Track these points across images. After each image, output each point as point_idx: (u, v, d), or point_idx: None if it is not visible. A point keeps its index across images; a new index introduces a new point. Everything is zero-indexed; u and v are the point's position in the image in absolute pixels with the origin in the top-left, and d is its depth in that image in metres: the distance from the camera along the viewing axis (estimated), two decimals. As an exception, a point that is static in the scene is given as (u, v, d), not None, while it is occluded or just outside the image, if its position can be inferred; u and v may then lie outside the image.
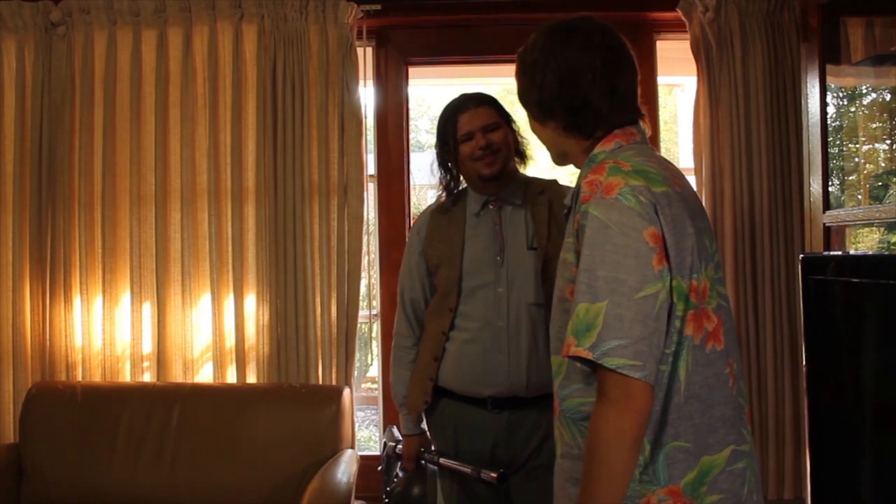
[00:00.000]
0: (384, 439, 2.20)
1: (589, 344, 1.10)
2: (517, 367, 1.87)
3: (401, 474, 2.08)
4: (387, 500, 2.03)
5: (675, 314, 1.16)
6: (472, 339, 1.90)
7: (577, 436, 1.24)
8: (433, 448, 2.02)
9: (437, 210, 2.06)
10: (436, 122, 1.98)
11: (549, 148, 1.39)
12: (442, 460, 1.94)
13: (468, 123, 1.91)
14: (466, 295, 1.92)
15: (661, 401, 1.17)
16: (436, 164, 2.01)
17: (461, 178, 2.01)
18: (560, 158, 1.39)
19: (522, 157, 2.01)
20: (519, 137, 2.00)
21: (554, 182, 2.05)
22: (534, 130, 1.39)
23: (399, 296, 2.08)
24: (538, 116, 1.34)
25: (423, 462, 2.02)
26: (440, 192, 2.04)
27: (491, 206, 1.96)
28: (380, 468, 2.17)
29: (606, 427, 1.11)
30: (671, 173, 1.25)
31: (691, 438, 1.18)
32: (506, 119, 1.97)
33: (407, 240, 2.11)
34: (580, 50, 1.27)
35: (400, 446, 2.09)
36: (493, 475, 1.80)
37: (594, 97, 1.27)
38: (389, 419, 2.88)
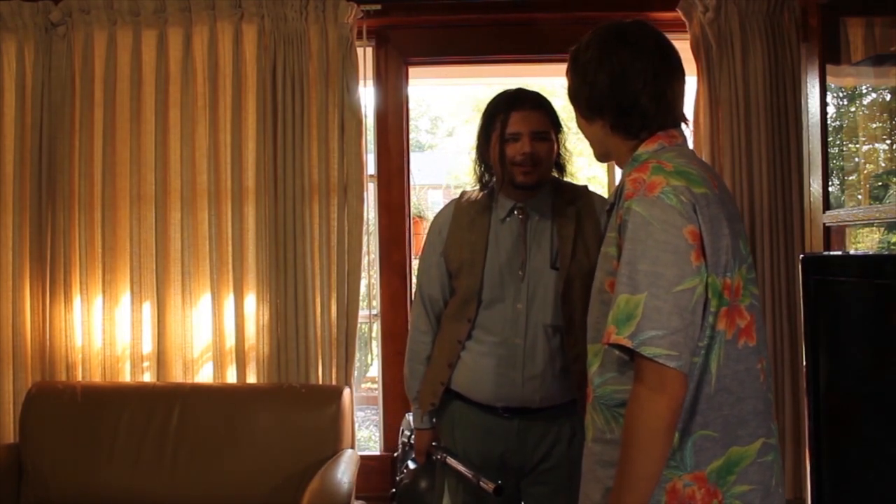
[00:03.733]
0: (402, 427, 2.19)
1: (628, 333, 1.16)
2: (531, 385, 1.85)
3: (411, 465, 2.07)
4: (394, 490, 2.03)
5: (709, 309, 1.22)
6: (488, 353, 1.87)
7: (611, 421, 1.30)
8: (443, 445, 2.00)
9: (462, 206, 1.98)
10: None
11: (592, 145, 1.44)
12: (448, 459, 1.93)
13: (519, 123, 1.82)
14: (486, 307, 1.88)
15: (692, 391, 1.23)
16: (473, 156, 1.94)
17: (494, 174, 1.92)
18: (603, 156, 1.45)
19: (561, 169, 1.95)
20: (562, 150, 1.92)
21: (585, 189, 1.97)
22: (580, 127, 1.44)
23: (417, 290, 2.03)
24: (586, 114, 1.39)
25: (433, 457, 2.01)
26: (473, 187, 1.98)
27: (517, 213, 1.89)
28: (396, 454, 2.15)
29: (642, 412, 1.17)
30: (710, 176, 1.31)
31: (719, 428, 1.24)
32: (556, 128, 1.90)
33: (426, 236, 2.03)
34: (634, 54, 1.32)
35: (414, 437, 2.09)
36: (491, 486, 1.78)
37: (643, 100, 1.31)
38: (389, 419, 2.88)
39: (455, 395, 1.95)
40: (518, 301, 1.85)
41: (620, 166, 1.40)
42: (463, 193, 2.03)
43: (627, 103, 1.32)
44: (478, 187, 1.98)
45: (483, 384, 1.88)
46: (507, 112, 1.84)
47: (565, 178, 1.99)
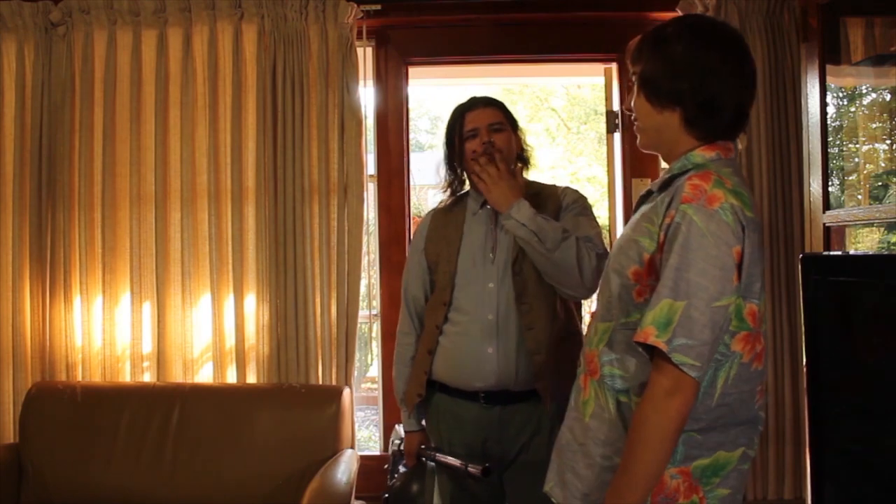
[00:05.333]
0: (392, 437, 2.24)
1: (666, 338, 1.20)
2: (505, 359, 1.91)
3: (402, 470, 2.09)
4: (386, 496, 2.04)
5: (726, 329, 1.25)
6: (463, 332, 1.95)
7: (610, 401, 1.34)
8: (432, 445, 2.04)
9: (439, 210, 2.13)
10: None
11: (646, 131, 1.41)
12: (437, 455, 1.97)
13: (474, 121, 1.99)
14: (459, 290, 1.98)
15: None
16: (442, 165, 2.08)
17: (465, 178, 2.06)
18: (652, 145, 1.43)
19: (525, 162, 2.07)
20: (524, 144, 2.06)
21: (552, 186, 2.09)
22: (641, 111, 1.40)
23: (402, 293, 2.13)
24: (658, 102, 1.36)
25: (423, 459, 2.03)
26: (445, 193, 2.11)
27: (488, 206, 2.00)
28: (386, 466, 2.19)
29: (656, 413, 1.20)
30: (753, 201, 1.33)
31: (710, 435, 1.29)
32: (511, 124, 2.03)
33: (411, 242, 2.17)
34: (727, 57, 1.32)
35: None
36: (479, 469, 1.84)
37: (723, 105, 1.32)
38: (389, 419, 2.88)
39: (438, 388, 2.01)
40: (489, 281, 1.94)
41: (668, 160, 1.39)
42: (440, 202, 2.16)
43: (709, 104, 1.32)
44: (448, 193, 2.11)
45: (460, 363, 1.95)
46: (462, 115, 2.02)
47: (530, 171, 2.11)
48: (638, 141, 1.45)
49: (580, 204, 2.01)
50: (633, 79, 1.40)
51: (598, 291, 1.44)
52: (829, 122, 2.39)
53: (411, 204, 3.04)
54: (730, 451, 1.30)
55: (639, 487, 1.21)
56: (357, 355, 2.81)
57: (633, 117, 1.43)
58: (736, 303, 1.24)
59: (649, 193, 1.39)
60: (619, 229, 2.97)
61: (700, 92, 1.31)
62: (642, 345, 1.23)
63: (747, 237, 1.24)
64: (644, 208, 1.37)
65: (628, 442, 1.24)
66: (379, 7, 2.80)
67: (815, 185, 2.39)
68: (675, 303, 1.20)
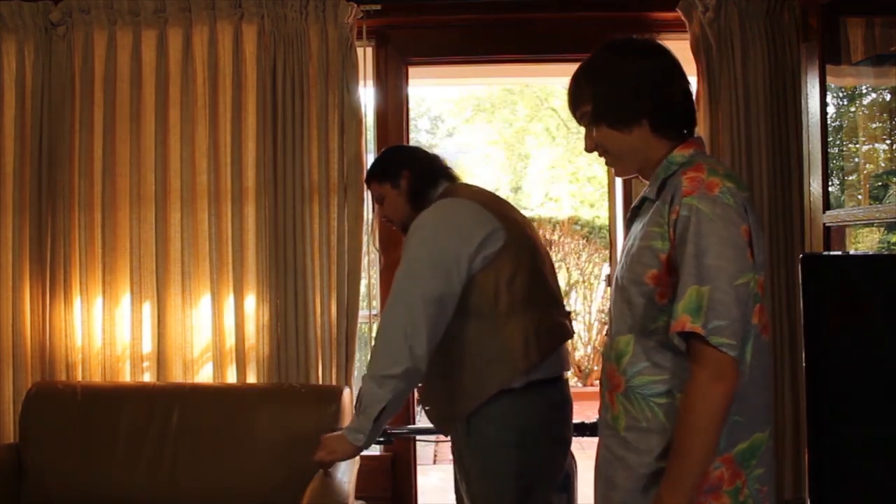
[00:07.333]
0: None
1: (701, 322, 1.24)
2: None
3: None
4: None
5: (752, 305, 1.30)
6: None
7: (647, 410, 1.36)
8: None
9: None
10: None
11: (624, 156, 1.44)
12: None
13: None
14: None
15: None
16: None
17: None
18: (632, 168, 1.46)
19: (414, 201, 1.97)
20: (415, 183, 1.98)
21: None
22: (610, 140, 1.43)
23: None
24: (622, 123, 1.40)
25: None
26: None
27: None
28: None
29: (703, 400, 1.24)
30: (743, 181, 1.41)
31: (745, 415, 1.32)
32: (389, 181, 2.00)
33: None
34: (656, 58, 1.42)
35: None
36: None
37: (675, 96, 1.40)
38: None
39: None
40: None
41: (647, 175, 1.43)
42: None
43: (669, 104, 1.39)
44: None
45: None
46: None
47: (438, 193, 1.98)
48: (615, 172, 1.51)
49: (406, 251, 1.85)
50: (584, 122, 1.45)
51: (611, 305, 1.46)
52: (829, 122, 2.40)
53: (411, 204, 3.03)
54: (763, 432, 1.34)
55: (692, 475, 1.25)
56: (357, 355, 2.81)
57: (600, 154, 1.47)
58: (754, 278, 1.29)
59: (643, 202, 1.42)
60: (619, 229, 2.97)
61: (659, 97, 1.38)
62: (678, 334, 1.26)
63: (749, 215, 1.30)
64: (646, 217, 1.39)
65: (676, 433, 1.27)
66: (379, 7, 2.80)
67: (815, 185, 2.40)
68: (701, 288, 1.24)
